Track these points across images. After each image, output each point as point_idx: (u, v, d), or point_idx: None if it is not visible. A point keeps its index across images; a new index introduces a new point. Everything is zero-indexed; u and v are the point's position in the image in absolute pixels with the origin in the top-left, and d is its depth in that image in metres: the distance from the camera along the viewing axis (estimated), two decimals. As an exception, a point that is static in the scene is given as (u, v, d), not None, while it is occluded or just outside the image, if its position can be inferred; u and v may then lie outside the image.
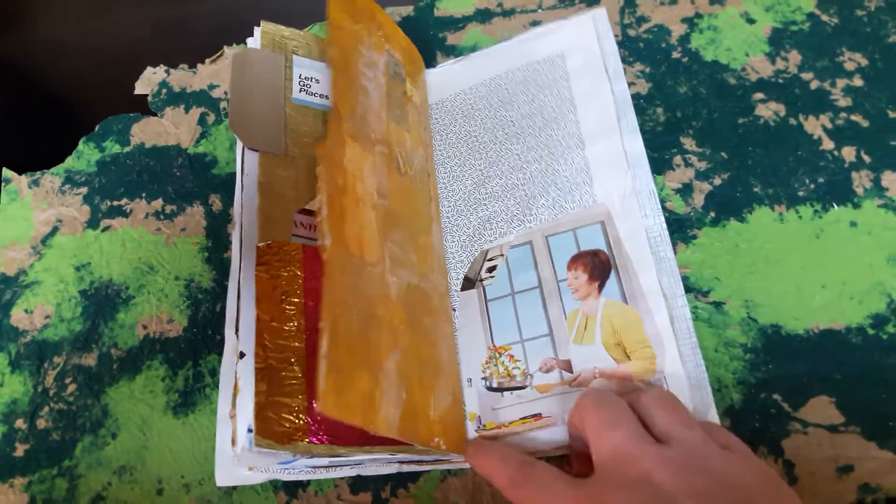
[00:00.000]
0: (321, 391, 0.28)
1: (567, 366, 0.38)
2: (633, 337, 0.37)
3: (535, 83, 0.46)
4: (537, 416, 0.38)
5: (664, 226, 0.40)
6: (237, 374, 0.35)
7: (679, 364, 0.36)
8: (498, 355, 0.40)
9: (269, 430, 0.34)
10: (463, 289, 0.42)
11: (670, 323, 0.37)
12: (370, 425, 0.31)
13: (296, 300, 0.38)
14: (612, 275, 0.39)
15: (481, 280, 0.42)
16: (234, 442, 0.34)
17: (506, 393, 0.39)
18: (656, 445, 0.30)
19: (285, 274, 0.39)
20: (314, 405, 0.35)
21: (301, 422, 0.35)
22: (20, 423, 0.42)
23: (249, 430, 0.35)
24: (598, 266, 0.40)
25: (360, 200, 0.36)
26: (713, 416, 0.35)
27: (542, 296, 0.40)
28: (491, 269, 0.42)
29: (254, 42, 0.45)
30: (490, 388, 0.39)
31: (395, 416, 0.34)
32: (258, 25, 0.46)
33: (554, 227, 0.41)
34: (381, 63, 0.43)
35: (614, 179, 0.41)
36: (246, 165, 0.43)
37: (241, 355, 0.36)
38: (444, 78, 0.48)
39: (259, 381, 0.35)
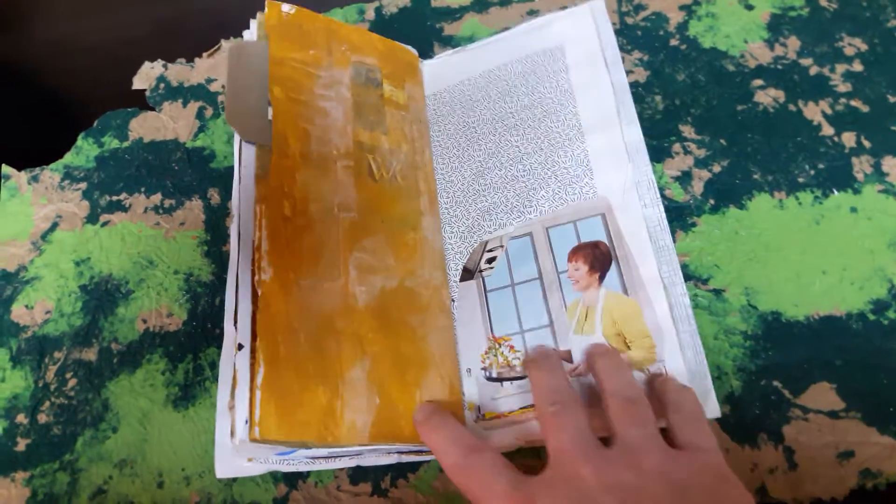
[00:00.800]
0: (257, 421, 0.31)
1: (567, 356, 0.38)
2: (634, 327, 0.37)
3: (534, 75, 0.46)
4: None
5: (663, 215, 0.39)
6: (236, 365, 0.35)
7: (678, 352, 0.36)
8: (497, 346, 0.40)
9: None
10: (462, 280, 0.42)
11: (670, 311, 0.37)
12: (329, 437, 0.33)
13: None
14: (613, 266, 0.39)
15: (481, 271, 0.42)
16: (232, 433, 0.34)
17: (505, 383, 0.39)
18: (596, 446, 0.31)
19: None
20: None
21: None
22: (21, 418, 0.42)
23: (247, 422, 0.35)
24: (599, 258, 0.39)
25: (313, 222, 0.38)
26: (712, 404, 0.35)
27: (542, 287, 0.40)
28: (490, 261, 0.42)
29: (250, 34, 0.45)
30: (489, 379, 0.39)
31: (364, 423, 0.35)
32: (253, 19, 0.46)
33: (554, 219, 0.41)
34: (345, 78, 0.44)
35: (614, 171, 0.41)
36: (244, 158, 0.43)
37: (240, 347, 0.36)
38: (442, 69, 0.48)
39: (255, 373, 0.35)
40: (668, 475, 0.30)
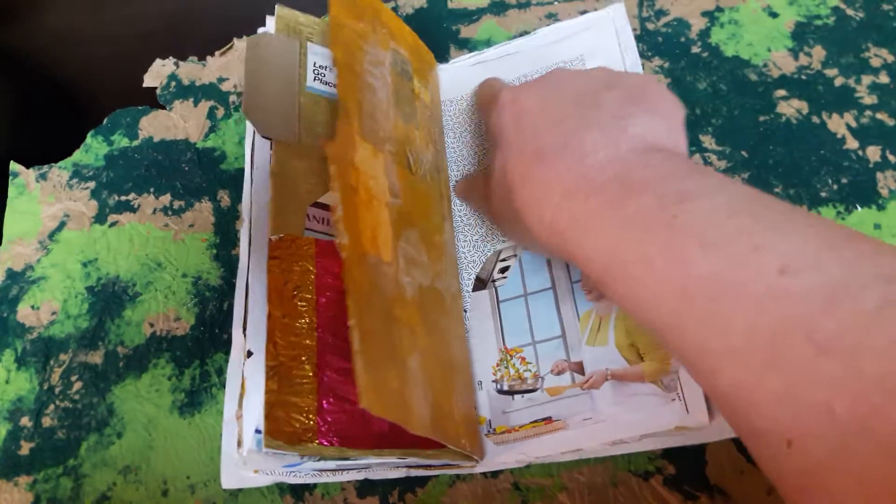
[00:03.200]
0: (361, 388, 0.28)
1: (579, 368, 0.37)
2: (648, 338, 0.37)
3: None
4: (547, 419, 0.37)
5: None
6: (244, 373, 0.34)
7: (694, 368, 0.35)
8: (509, 357, 0.39)
9: (279, 431, 0.33)
10: (474, 290, 0.41)
11: None
12: (408, 424, 0.31)
13: (308, 296, 0.37)
14: None
15: (493, 281, 0.41)
16: (240, 443, 0.33)
17: (516, 396, 0.38)
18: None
19: (297, 269, 0.37)
20: (324, 405, 0.34)
21: (311, 422, 0.34)
22: (25, 421, 0.42)
23: (257, 431, 0.34)
24: None
25: (373, 199, 0.35)
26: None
27: (555, 297, 0.39)
28: (504, 270, 0.41)
29: (268, 29, 0.44)
30: (501, 391, 0.38)
31: (426, 415, 0.33)
32: (270, 16, 0.45)
33: None
34: (386, 61, 0.42)
35: None
36: (256, 159, 0.42)
37: (249, 354, 0.35)
38: (460, 75, 0.47)
39: (269, 379, 0.34)
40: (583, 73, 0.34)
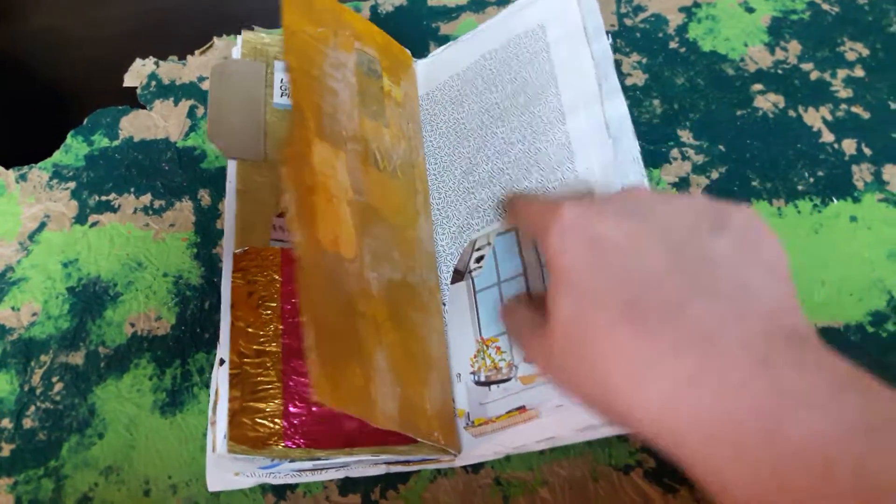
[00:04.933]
0: (314, 381, 0.28)
1: None
2: None
3: (517, 59, 0.44)
4: (521, 408, 0.37)
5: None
6: (217, 380, 0.34)
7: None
8: (486, 347, 0.39)
9: (244, 436, 0.34)
10: (453, 282, 0.41)
11: None
12: (371, 418, 0.31)
13: (272, 304, 0.38)
14: None
15: (470, 271, 0.41)
16: (213, 448, 0.33)
17: (493, 386, 0.38)
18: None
19: (262, 279, 0.38)
20: (290, 409, 0.35)
21: (277, 426, 0.35)
22: (6, 423, 0.42)
23: (225, 437, 0.34)
24: None
25: (332, 197, 0.36)
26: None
27: (526, 282, 0.39)
28: (479, 259, 0.41)
29: (236, 53, 0.45)
30: (478, 383, 0.38)
31: (393, 410, 0.33)
32: (247, 20, 0.45)
33: None
34: (350, 62, 0.42)
35: (595, 151, 0.39)
36: (229, 171, 0.43)
37: (221, 362, 0.35)
38: (434, 67, 0.47)
39: (233, 387, 0.35)
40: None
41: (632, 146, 0.38)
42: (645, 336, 0.23)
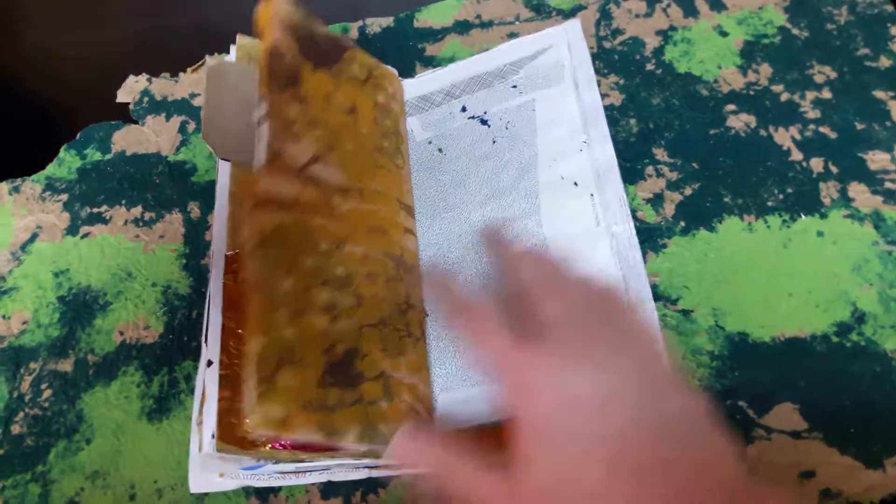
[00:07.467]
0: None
1: None
2: None
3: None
4: None
5: (633, 233, 0.40)
6: (205, 381, 0.35)
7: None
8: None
9: (231, 436, 0.34)
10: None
11: None
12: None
13: None
14: None
15: None
16: (200, 448, 0.34)
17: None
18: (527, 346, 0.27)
19: None
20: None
21: None
22: (-5, 429, 0.43)
23: (214, 437, 0.35)
24: None
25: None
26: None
27: None
28: None
29: (231, 57, 0.46)
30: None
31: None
32: (239, 34, 0.46)
33: None
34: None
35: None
36: (220, 175, 0.44)
37: (209, 363, 0.36)
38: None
39: (222, 387, 0.35)
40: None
41: (618, 189, 0.41)
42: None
